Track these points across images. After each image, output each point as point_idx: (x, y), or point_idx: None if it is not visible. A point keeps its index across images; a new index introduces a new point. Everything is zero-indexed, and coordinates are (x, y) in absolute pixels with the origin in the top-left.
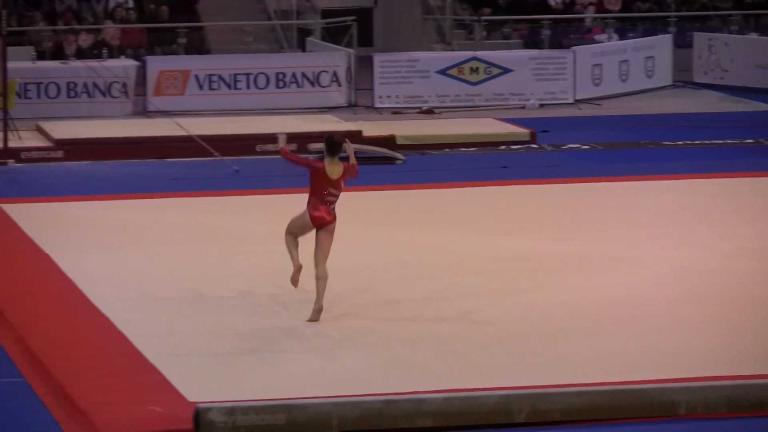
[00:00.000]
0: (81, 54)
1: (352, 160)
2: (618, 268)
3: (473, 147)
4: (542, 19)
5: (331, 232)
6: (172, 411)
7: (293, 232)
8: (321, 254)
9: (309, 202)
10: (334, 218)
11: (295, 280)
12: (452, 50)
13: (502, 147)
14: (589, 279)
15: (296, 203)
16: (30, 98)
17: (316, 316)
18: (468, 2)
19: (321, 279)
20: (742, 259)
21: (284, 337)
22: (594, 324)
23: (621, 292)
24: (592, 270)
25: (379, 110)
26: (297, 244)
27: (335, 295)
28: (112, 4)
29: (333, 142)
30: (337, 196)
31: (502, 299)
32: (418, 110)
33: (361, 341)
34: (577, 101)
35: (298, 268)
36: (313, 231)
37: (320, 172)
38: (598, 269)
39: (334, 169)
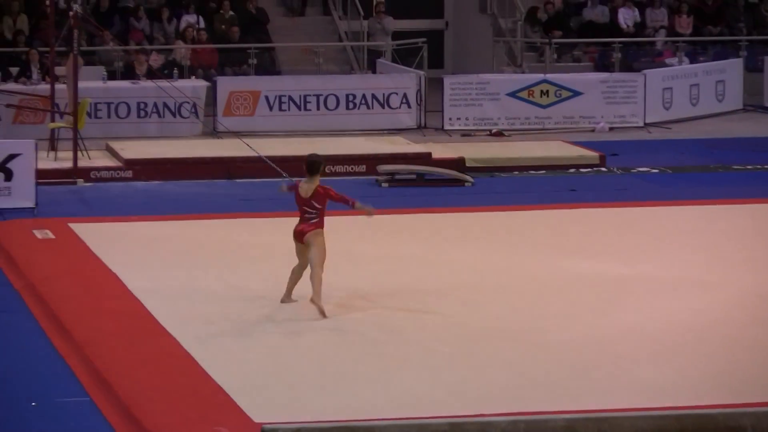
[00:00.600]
0: (151, 74)
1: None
2: (686, 291)
3: (542, 169)
4: (613, 42)
5: (312, 243)
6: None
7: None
8: (312, 259)
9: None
10: (312, 228)
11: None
12: (522, 73)
13: (572, 170)
14: (657, 302)
15: (361, 224)
16: (100, 118)
17: (320, 316)
18: (539, 25)
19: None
20: None
21: (350, 358)
22: (661, 347)
23: (689, 315)
24: (660, 293)
25: (448, 132)
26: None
27: (402, 316)
28: (183, 25)
29: (310, 162)
30: (314, 213)
31: (569, 321)
32: (487, 132)
33: (427, 363)
34: (647, 124)
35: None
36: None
37: (296, 191)
38: (666, 292)
39: (308, 188)
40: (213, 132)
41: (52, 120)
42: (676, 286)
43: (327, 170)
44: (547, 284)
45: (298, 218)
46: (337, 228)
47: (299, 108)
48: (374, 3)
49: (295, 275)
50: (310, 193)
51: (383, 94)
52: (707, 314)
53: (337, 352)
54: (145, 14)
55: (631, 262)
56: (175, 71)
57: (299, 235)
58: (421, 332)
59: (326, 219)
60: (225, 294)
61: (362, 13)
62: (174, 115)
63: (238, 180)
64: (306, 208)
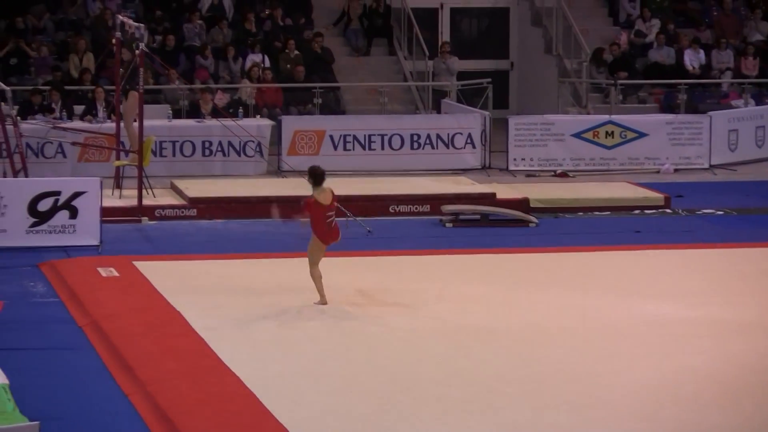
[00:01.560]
0: (216, 113)
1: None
2: (752, 333)
3: (607, 211)
4: (678, 84)
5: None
6: None
7: (316, 262)
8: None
9: (316, 231)
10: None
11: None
12: (587, 114)
13: (636, 211)
14: (722, 345)
15: (425, 264)
16: (165, 156)
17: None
18: (604, 66)
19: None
20: None
21: (412, 398)
22: (727, 390)
23: (754, 358)
24: (725, 335)
25: (513, 173)
26: (321, 275)
27: (465, 356)
28: (248, 64)
29: (316, 174)
30: (332, 214)
31: (633, 363)
32: (552, 173)
33: (490, 404)
34: (712, 166)
35: (324, 302)
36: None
37: (316, 204)
38: (731, 335)
39: (325, 196)
40: (278, 171)
41: (118, 158)
42: (741, 329)
43: (391, 209)
44: (611, 326)
45: (318, 231)
46: (399, 267)
47: (364, 147)
48: (439, 43)
49: (320, 278)
50: (330, 197)
51: (448, 134)
52: None
53: (400, 393)
54: (211, 53)
55: (696, 304)
56: (240, 110)
57: (335, 239)
58: (484, 373)
59: (388, 258)
60: (288, 333)
61: (427, 53)
62: (239, 153)
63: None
64: (329, 213)
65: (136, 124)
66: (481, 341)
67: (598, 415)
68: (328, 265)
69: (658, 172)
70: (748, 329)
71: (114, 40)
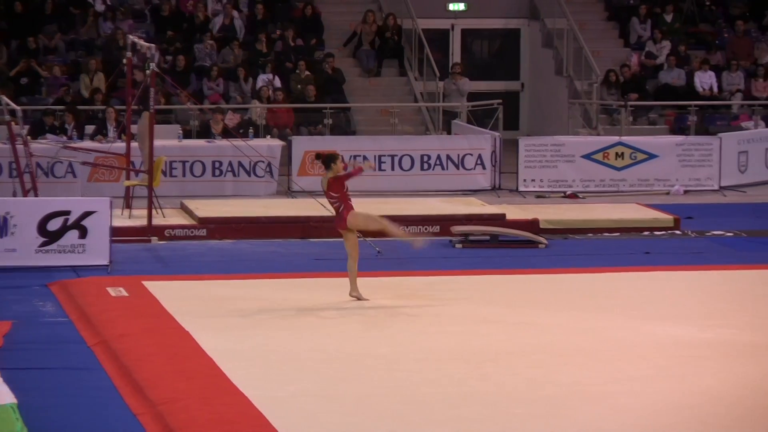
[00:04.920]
0: (227, 133)
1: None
2: (764, 356)
3: (617, 232)
4: (689, 105)
5: (346, 237)
6: None
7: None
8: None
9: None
10: (342, 226)
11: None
12: (598, 135)
13: (646, 233)
14: (733, 367)
15: (435, 285)
16: (175, 176)
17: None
18: (615, 87)
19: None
20: None
21: (425, 419)
22: (740, 412)
23: (767, 380)
24: (737, 357)
25: (523, 194)
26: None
27: (477, 377)
28: (259, 84)
29: (323, 158)
30: (335, 199)
31: (645, 385)
32: (562, 194)
33: (502, 425)
34: (723, 188)
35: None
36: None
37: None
38: (743, 357)
39: (325, 181)
40: (288, 192)
41: (128, 178)
42: (753, 351)
43: None
44: (622, 347)
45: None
46: (409, 288)
47: (374, 168)
48: (450, 64)
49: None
50: (326, 185)
51: (458, 155)
52: None
53: (413, 414)
54: (221, 74)
55: (707, 326)
56: (251, 130)
57: (338, 225)
58: (495, 394)
59: (399, 279)
60: (300, 354)
61: (438, 74)
62: (249, 174)
63: (312, 240)
64: (328, 199)
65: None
66: (493, 362)
67: None
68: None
69: (668, 193)
70: (760, 351)
71: (125, 61)
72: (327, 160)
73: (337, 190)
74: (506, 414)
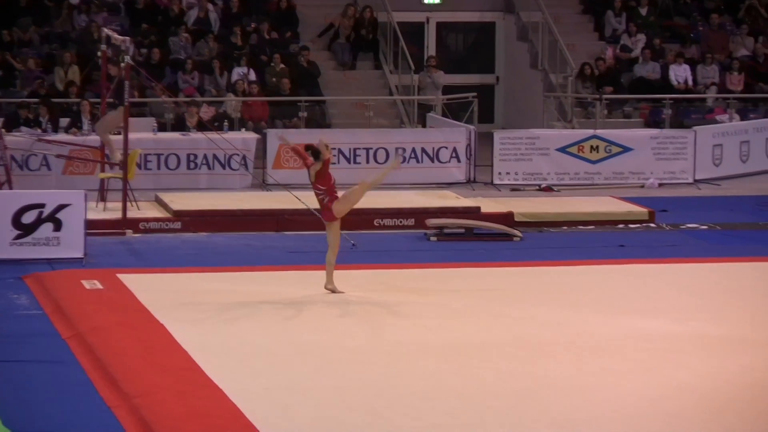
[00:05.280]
0: (202, 126)
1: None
2: (736, 348)
3: (591, 225)
4: (664, 99)
5: (330, 228)
6: None
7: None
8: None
9: None
10: (330, 217)
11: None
12: (573, 128)
13: (621, 226)
14: (707, 359)
15: (409, 278)
16: (150, 169)
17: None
18: (590, 80)
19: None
20: None
21: (399, 413)
22: (711, 405)
23: (739, 372)
24: (710, 350)
25: (498, 187)
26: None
27: (449, 370)
28: (234, 77)
29: (312, 149)
30: (321, 192)
31: (618, 378)
32: (537, 187)
33: (476, 418)
34: (697, 181)
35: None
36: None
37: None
38: (716, 349)
39: (313, 173)
40: (263, 184)
41: (102, 170)
42: (726, 344)
43: (375, 223)
44: (596, 340)
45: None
46: (384, 281)
47: (349, 161)
48: (425, 57)
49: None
50: (314, 177)
51: (433, 148)
52: (759, 372)
53: (386, 407)
54: (196, 67)
55: (681, 319)
56: (226, 123)
57: (326, 217)
58: (468, 387)
59: (373, 272)
60: (274, 347)
61: (413, 67)
62: (224, 167)
63: (287, 233)
64: (315, 190)
65: (113, 137)
66: (466, 355)
67: (584, 430)
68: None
69: (642, 186)
70: (733, 344)
71: (100, 54)
72: (317, 151)
73: (324, 183)
74: (480, 406)
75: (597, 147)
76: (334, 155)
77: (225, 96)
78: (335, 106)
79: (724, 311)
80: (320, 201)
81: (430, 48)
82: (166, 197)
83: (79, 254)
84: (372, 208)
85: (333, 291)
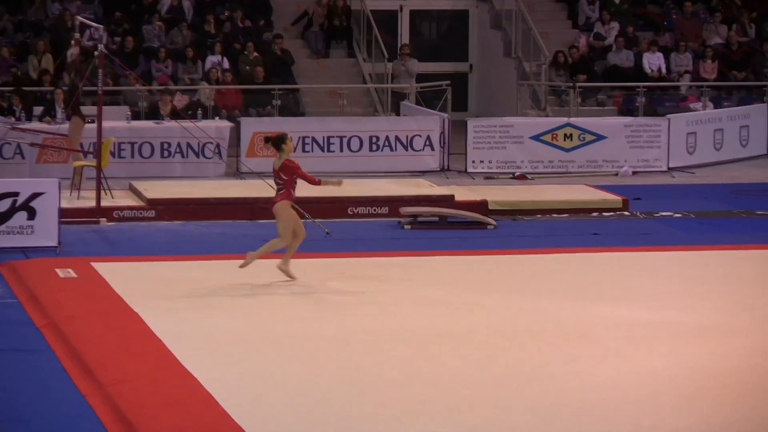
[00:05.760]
0: (176, 114)
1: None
2: (710, 336)
3: (565, 213)
4: (637, 87)
5: (277, 213)
6: None
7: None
8: (278, 230)
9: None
10: (275, 201)
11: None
12: (546, 116)
13: (594, 214)
14: (680, 347)
15: (382, 266)
16: (124, 157)
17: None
18: (564, 69)
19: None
20: None
21: (371, 401)
22: (685, 393)
23: (712, 361)
24: (683, 338)
25: (471, 175)
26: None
27: (423, 358)
28: (208, 66)
29: (273, 140)
30: (281, 183)
31: (591, 366)
32: (510, 175)
33: (448, 405)
34: (671, 169)
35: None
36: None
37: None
38: (689, 338)
39: (277, 162)
40: (237, 173)
41: (77, 159)
42: (699, 332)
43: (349, 211)
44: (569, 328)
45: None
46: (358, 269)
47: (323, 149)
48: (399, 45)
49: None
50: (278, 165)
51: (407, 137)
52: (731, 360)
53: (357, 395)
54: (170, 55)
55: (654, 307)
56: (200, 112)
57: (271, 206)
58: (441, 375)
59: (347, 260)
60: (248, 335)
61: (386, 55)
62: (198, 155)
63: (260, 221)
64: (276, 180)
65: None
66: (440, 343)
67: (556, 417)
68: (261, 265)
69: (616, 174)
70: (705, 332)
71: (73, 42)
72: (277, 141)
73: (287, 175)
74: (453, 394)
75: (571, 135)
76: (308, 143)
77: (199, 84)
78: (309, 94)
79: (697, 299)
80: (277, 190)
81: (404, 36)
82: (140, 186)
83: (53, 243)
84: (346, 197)
85: (287, 274)
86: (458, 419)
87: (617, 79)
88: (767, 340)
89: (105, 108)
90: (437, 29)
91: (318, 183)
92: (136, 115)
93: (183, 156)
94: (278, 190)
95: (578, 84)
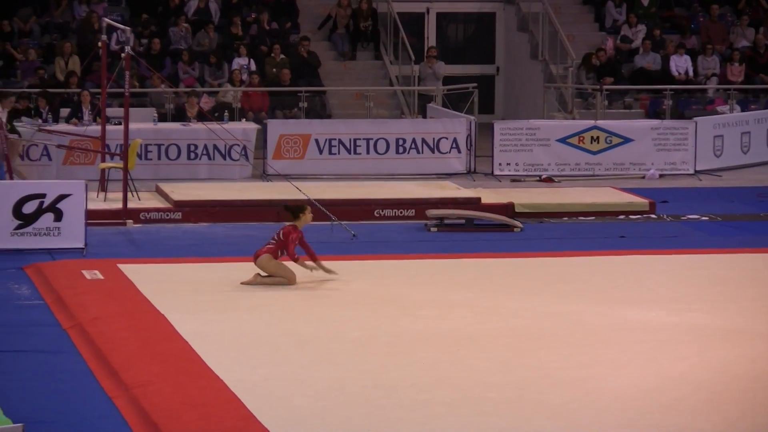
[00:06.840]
0: (202, 117)
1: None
2: (737, 340)
3: (592, 216)
4: (664, 90)
5: (262, 268)
6: None
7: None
8: (282, 281)
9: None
10: (258, 254)
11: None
12: (573, 119)
13: (621, 217)
14: (706, 351)
15: (409, 268)
16: (150, 159)
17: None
18: (591, 71)
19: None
20: None
21: (397, 405)
22: (711, 397)
23: (739, 364)
24: (710, 342)
25: (498, 177)
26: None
27: (449, 361)
28: (234, 67)
29: (291, 209)
30: (275, 242)
31: (617, 369)
32: (537, 178)
33: (474, 409)
34: (698, 172)
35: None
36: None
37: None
38: (716, 341)
39: (286, 225)
40: (263, 175)
41: (103, 161)
42: (726, 335)
43: (376, 214)
44: (595, 331)
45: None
46: (384, 272)
47: (349, 152)
48: (425, 48)
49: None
50: (285, 226)
51: (433, 139)
52: (757, 364)
53: (385, 398)
54: (196, 57)
55: (680, 310)
56: (226, 114)
57: (255, 257)
58: (468, 378)
59: (373, 263)
60: (273, 338)
61: (413, 57)
62: (224, 157)
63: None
64: (274, 236)
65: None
66: (465, 346)
67: (582, 421)
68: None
69: (643, 177)
70: (732, 335)
71: (100, 44)
72: (296, 210)
73: (283, 239)
74: (477, 398)
75: (597, 138)
76: (334, 146)
77: (225, 87)
78: (335, 96)
79: (723, 302)
80: (268, 242)
81: (431, 38)
82: (166, 187)
83: (80, 244)
84: (372, 199)
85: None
86: (483, 422)
87: (644, 82)
88: None
89: (132, 110)
90: (464, 32)
91: (295, 260)
92: (162, 117)
93: (209, 158)
94: (267, 243)
95: (605, 87)
